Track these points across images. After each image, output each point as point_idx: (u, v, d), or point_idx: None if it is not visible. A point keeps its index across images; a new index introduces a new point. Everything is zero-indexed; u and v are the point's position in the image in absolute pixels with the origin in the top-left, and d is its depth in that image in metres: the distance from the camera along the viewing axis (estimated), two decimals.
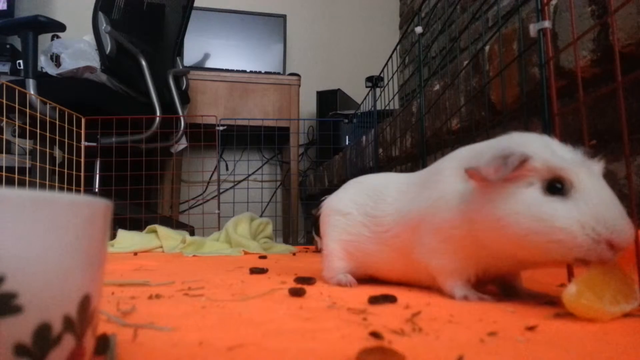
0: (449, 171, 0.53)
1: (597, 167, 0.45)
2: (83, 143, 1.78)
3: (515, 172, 0.43)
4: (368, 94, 1.88)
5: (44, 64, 1.77)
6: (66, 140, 1.67)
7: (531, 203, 0.43)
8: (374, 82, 1.78)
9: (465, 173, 0.47)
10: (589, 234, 0.41)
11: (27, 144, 1.68)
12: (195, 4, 2.20)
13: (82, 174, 1.76)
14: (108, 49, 1.72)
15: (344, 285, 0.64)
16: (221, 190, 2.23)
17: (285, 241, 2.47)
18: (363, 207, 0.65)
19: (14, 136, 1.79)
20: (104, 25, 1.71)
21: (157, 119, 1.89)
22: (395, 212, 0.60)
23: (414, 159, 1.52)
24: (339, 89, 2.67)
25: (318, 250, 1.32)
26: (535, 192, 0.44)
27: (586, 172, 0.43)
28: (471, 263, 0.52)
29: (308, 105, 2.88)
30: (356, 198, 0.67)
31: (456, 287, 0.53)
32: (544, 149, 0.45)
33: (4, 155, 1.61)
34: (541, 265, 0.49)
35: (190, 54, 2.70)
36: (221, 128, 2.25)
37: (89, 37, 1.85)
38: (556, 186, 0.43)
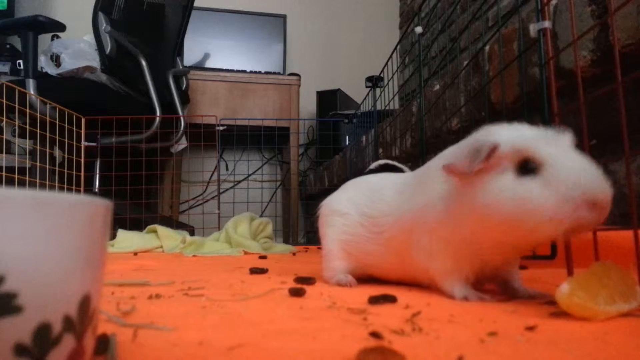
0: (436, 171, 0.53)
1: (566, 139, 0.45)
2: (83, 143, 1.78)
3: (488, 161, 0.44)
4: (368, 94, 1.88)
5: (44, 64, 1.77)
6: (66, 140, 1.67)
7: (506, 188, 0.44)
8: (374, 82, 1.78)
9: (443, 170, 0.48)
10: (566, 204, 0.41)
11: (27, 144, 1.68)
12: (195, 4, 2.20)
13: (82, 174, 1.76)
14: (108, 49, 1.72)
15: (344, 285, 0.64)
16: (221, 190, 2.23)
17: (285, 241, 2.47)
18: (361, 208, 0.65)
19: (14, 136, 1.79)
20: (104, 25, 1.71)
21: (157, 119, 1.89)
22: (392, 213, 0.61)
23: (414, 159, 1.52)
24: (339, 89, 2.67)
25: None
26: (509, 176, 0.44)
27: (553, 146, 0.43)
28: (466, 261, 0.52)
29: (308, 105, 2.88)
30: (354, 198, 0.67)
31: (455, 287, 0.53)
32: (512, 134, 0.45)
33: (4, 155, 1.61)
34: (533, 246, 0.49)
35: (190, 54, 2.70)
36: (221, 128, 2.25)
37: (89, 37, 1.85)
38: (529, 166, 0.44)
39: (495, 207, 0.44)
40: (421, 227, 0.54)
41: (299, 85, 2.57)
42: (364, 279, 0.68)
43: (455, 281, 0.53)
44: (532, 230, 0.43)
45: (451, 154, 0.53)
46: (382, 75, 1.70)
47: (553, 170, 0.42)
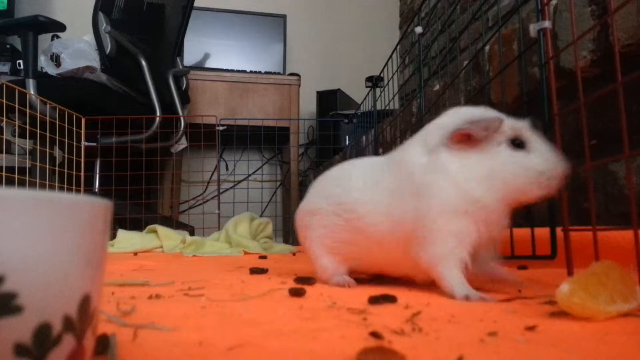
0: (418, 157, 0.57)
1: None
2: (83, 143, 1.78)
3: (495, 132, 0.54)
4: (368, 94, 1.88)
5: (44, 64, 1.77)
6: (66, 140, 1.67)
7: (514, 158, 0.54)
8: (374, 82, 1.78)
9: (454, 136, 0.54)
10: (553, 173, 0.53)
11: (27, 144, 1.68)
12: (195, 4, 2.20)
13: (82, 174, 1.76)
14: (108, 49, 1.72)
15: (342, 285, 0.64)
16: (221, 190, 2.23)
17: (285, 241, 2.47)
18: (332, 197, 0.65)
19: (14, 136, 1.79)
20: (104, 25, 1.71)
21: (157, 119, 1.89)
22: (369, 200, 0.60)
23: None
24: (339, 89, 2.67)
25: None
26: (509, 149, 0.54)
27: (528, 129, 0.56)
28: (467, 238, 0.53)
29: (308, 105, 2.88)
30: (323, 191, 0.68)
31: (453, 277, 0.53)
32: (496, 114, 0.56)
33: (4, 155, 1.61)
34: (529, 201, 0.57)
35: (190, 54, 2.70)
36: (221, 128, 2.25)
37: (89, 37, 1.85)
38: (517, 142, 0.54)
39: (508, 171, 0.54)
40: (418, 216, 0.54)
41: (299, 85, 2.56)
42: (357, 277, 0.69)
43: (452, 267, 0.53)
44: (529, 191, 0.54)
45: (425, 140, 0.58)
46: (382, 75, 1.70)
47: (538, 149, 0.54)
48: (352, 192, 0.63)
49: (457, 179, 0.54)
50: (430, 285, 0.58)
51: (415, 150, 0.57)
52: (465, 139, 0.54)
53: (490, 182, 0.53)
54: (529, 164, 0.53)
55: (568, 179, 0.55)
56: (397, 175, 0.58)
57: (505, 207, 0.55)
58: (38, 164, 1.64)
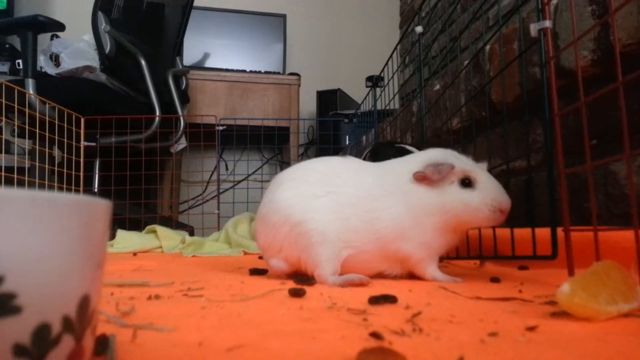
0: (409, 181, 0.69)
1: (484, 166, 0.72)
2: (82, 143, 1.78)
3: (447, 175, 0.67)
4: (368, 93, 1.88)
5: (44, 63, 1.77)
6: (65, 140, 1.67)
7: (457, 194, 0.67)
8: (374, 82, 1.78)
9: (414, 177, 0.68)
10: (490, 209, 0.67)
11: (27, 143, 1.67)
12: (195, 4, 2.19)
13: (82, 174, 1.76)
14: (107, 49, 1.72)
15: (358, 284, 0.63)
16: (221, 190, 2.23)
17: None
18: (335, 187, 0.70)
19: (14, 136, 1.79)
20: (103, 24, 1.71)
21: (157, 118, 1.89)
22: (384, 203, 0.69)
23: None
24: (339, 89, 2.67)
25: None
26: (456, 187, 0.68)
27: (480, 170, 0.69)
28: (440, 246, 0.69)
29: (308, 105, 2.88)
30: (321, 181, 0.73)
31: (431, 268, 0.69)
32: (456, 159, 0.69)
33: (3, 155, 1.60)
34: (469, 230, 0.75)
35: (190, 54, 2.70)
36: (221, 128, 2.25)
37: (89, 37, 1.84)
38: (466, 182, 0.68)
39: (451, 205, 0.67)
40: (417, 223, 0.68)
41: (299, 85, 2.56)
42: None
43: (432, 263, 0.70)
44: (471, 221, 0.68)
45: (407, 167, 0.70)
46: (382, 75, 1.70)
47: (482, 187, 0.67)
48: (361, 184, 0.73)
49: (434, 210, 0.70)
50: (431, 285, 0.58)
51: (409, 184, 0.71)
52: (424, 179, 0.68)
53: (449, 213, 0.68)
54: (471, 201, 0.67)
55: (507, 213, 0.68)
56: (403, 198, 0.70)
57: (457, 231, 0.71)
58: (37, 164, 1.63)
